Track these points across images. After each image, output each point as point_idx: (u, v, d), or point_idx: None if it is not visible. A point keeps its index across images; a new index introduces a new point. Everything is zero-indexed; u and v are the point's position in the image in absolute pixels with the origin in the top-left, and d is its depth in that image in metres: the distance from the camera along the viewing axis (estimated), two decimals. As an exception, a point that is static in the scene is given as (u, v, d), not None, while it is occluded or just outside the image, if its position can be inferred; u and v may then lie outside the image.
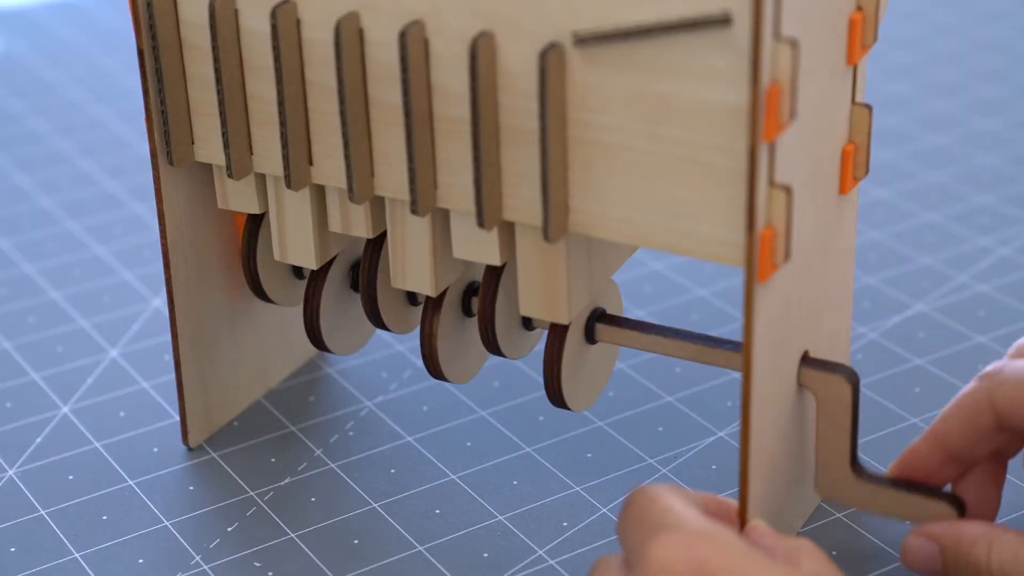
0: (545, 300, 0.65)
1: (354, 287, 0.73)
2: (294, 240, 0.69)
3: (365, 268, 0.70)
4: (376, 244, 0.70)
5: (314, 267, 0.70)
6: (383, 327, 0.71)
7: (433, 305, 0.69)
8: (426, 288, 0.67)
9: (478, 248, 0.65)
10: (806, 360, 0.64)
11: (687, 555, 0.54)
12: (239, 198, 0.70)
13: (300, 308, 0.79)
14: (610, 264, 0.67)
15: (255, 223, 0.72)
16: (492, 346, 0.69)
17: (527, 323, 0.70)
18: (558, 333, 0.67)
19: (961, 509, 0.64)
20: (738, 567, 0.54)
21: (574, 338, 0.68)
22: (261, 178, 0.69)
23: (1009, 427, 0.64)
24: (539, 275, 0.65)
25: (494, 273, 0.68)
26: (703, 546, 0.54)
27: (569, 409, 0.69)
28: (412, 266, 0.67)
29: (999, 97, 1.05)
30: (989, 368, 0.64)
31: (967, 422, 0.64)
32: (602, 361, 0.71)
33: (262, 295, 0.73)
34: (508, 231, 0.65)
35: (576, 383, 0.69)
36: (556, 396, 0.68)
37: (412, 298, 0.73)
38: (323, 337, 0.72)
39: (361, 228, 0.68)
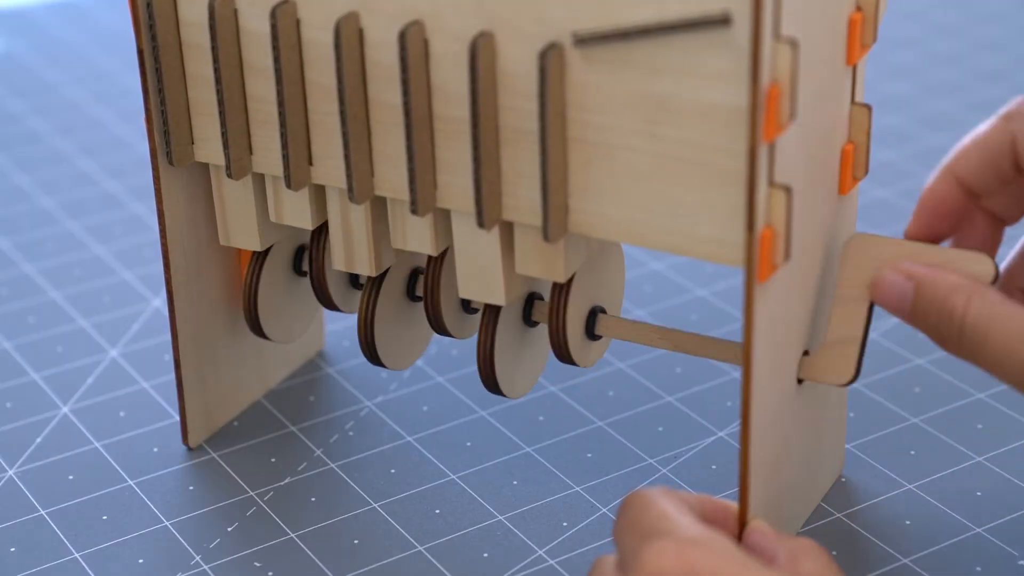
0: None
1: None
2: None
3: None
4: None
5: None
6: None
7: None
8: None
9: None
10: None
11: (679, 562, 0.54)
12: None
13: (298, 304, 0.79)
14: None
15: (258, 265, 0.72)
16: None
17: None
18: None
19: (996, 272, 0.61)
20: (730, 574, 0.54)
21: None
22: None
23: None
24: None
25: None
26: (695, 553, 0.54)
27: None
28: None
29: (999, 97, 1.05)
30: (1012, 107, 0.62)
31: (988, 161, 0.63)
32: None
33: (260, 334, 0.73)
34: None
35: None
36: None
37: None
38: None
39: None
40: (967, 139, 0.64)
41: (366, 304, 0.70)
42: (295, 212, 0.69)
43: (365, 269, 0.69)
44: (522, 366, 0.70)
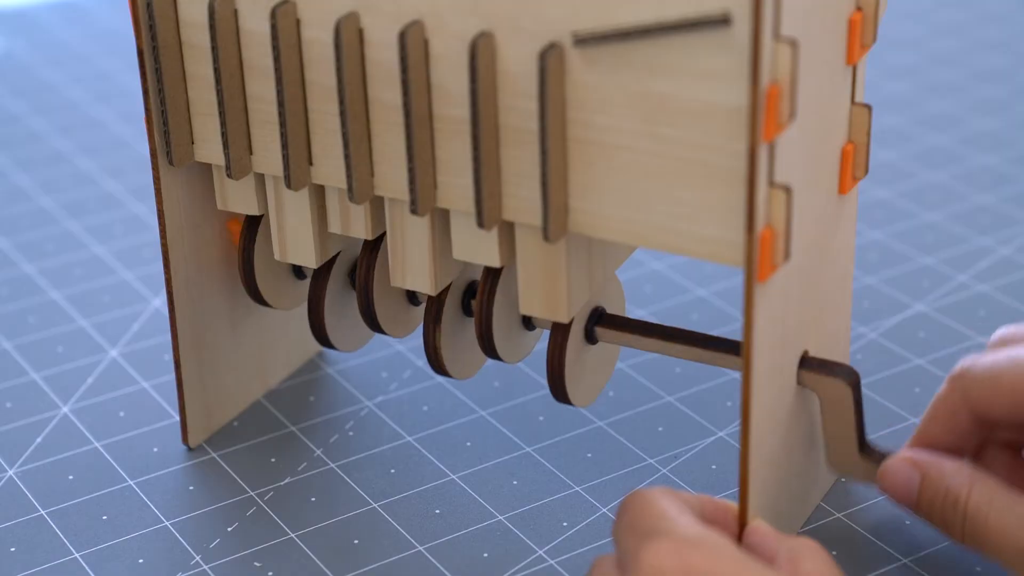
0: (545, 299, 0.65)
1: (354, 286, 0.73)
2: (293, 240, 0.69)
3: (362, 269, 0.70)
4: (374, 245, 0.70)
5: (314, 266, 0.70)
6: (380, 331, 0.71)
7: (435, 305, 0.69)
8: (426, 287, 0.67)
9: (478, 249, 0.65)
10: (806, 361, 0.64)
11: (678, 562, 0.54)
12: (238, 199, 0.70)
13: (298, 309, 0.79)
14: (610, 261, 0.67)
15: (252, 229, 0.72)
16: (490, 349, 0.68)
17: (527, 323, 0.70)
18: (560, 331, 0.67)
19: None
20: (728, 573, 0.54)
21: (576, 335, 0.68)
22: (260, 179, 0.69)
23: (987, 422, 0.64)
24: (539, 274, 0.65)
25: (492, 273, 0.68)
26: (694, 553, 0.54)
27: (573, 405, 0.69)
28: (412, 265, 0.67)
29: (999, 97, 1.05)
30: (957, 369, 0.64)
31: (947, 426, 0.65)
32: (605, 355, 0.71)
33: (260, 299, 0.73)
34: (508, 231, 0.65)
35: (579, 379, 0.69)
36: (561, 394, 0.68)
37: (412, 299, 0.73)
38: (327, 333, 0.72)
39: (360, 229, 0.68)
40: (927, 408, 0.66)
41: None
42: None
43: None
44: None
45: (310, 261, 0.70)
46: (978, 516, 0.61)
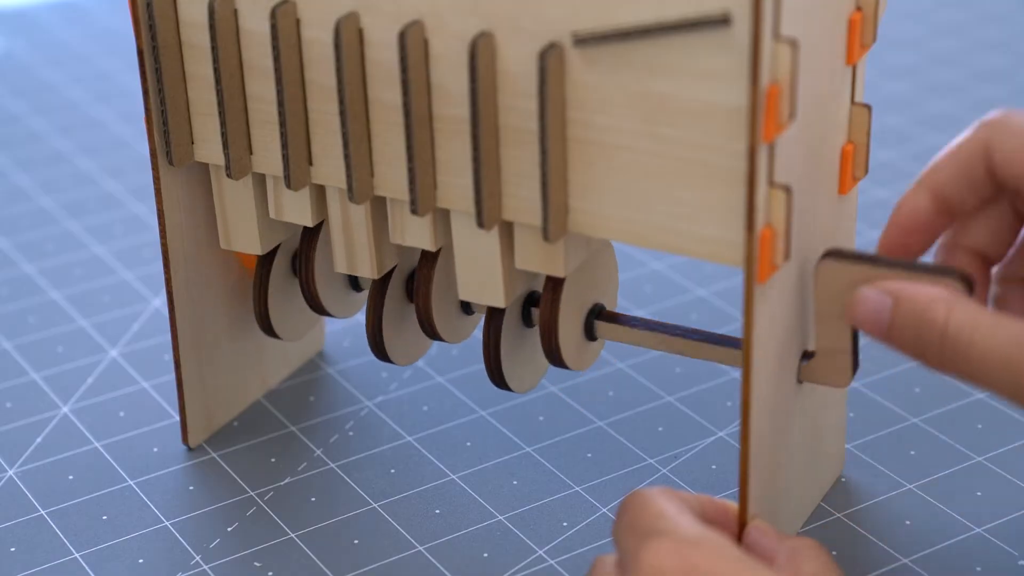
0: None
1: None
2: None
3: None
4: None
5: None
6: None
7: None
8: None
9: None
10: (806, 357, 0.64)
11: (678, 562, 0.54)
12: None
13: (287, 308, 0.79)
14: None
15: (267, 264, 0.72)
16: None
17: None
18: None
19: (970, 287, 0.60)
20: (728, 573, 0.54)
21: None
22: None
23: (1000, 181, 0.61)
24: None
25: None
26: (694, 553, 0.54)
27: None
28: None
29: (999, 97, 1.05)
30: (990, 116, 0.61)
31: (959, 171, 0.61)
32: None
33: (273, 334, 0.74)
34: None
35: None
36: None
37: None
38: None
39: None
40: (945, 149, 0.63)
41: (373, 308, 0.70)
42: (295, 210, 0.69)
43: (366, 271, 0.69)
44: (526, 363, 0.70)
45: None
46: (960, 337, 0.57)
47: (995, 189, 0.62)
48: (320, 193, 0.69)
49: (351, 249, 0.68)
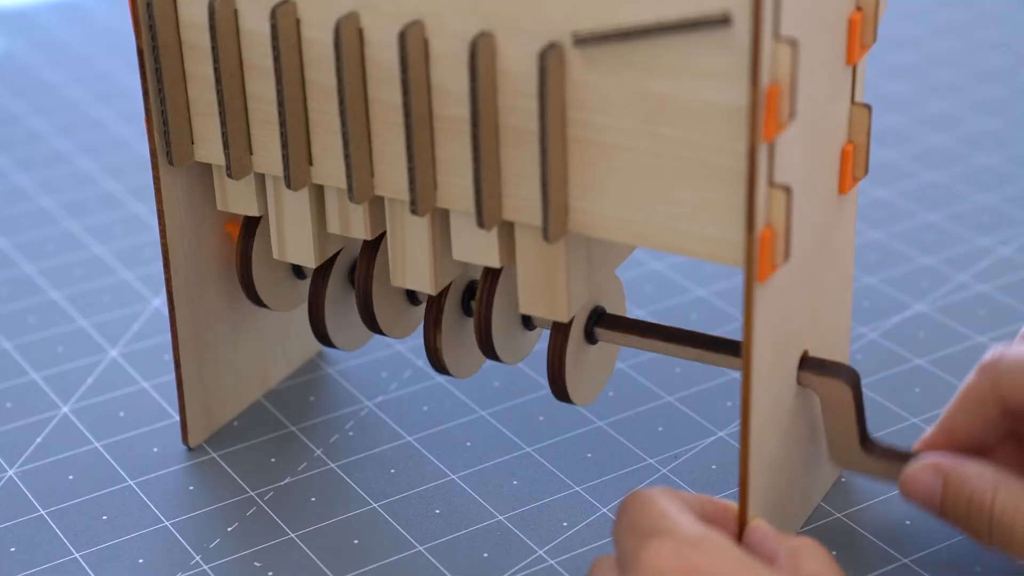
0: (545, 299, 0.65)
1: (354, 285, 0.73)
2: (293, 239, 0.69)
3: (361, 269, 0.70)
4: (374, 244, 0.70)
5: (314, 266, 0.70)
6: (378, 331, 0.71)
7: (436, 304, 0.69)
8: (426, 287, 0.67)
9: (477, 249, 0.65)
10: (806, 362, 0.64)
11: (678, 562, 0.54)
12: (239, 199, 0.70)
13: (297, 310, 0.79)
14: (610, 260, 0.67)
15: (250, 229, 0.72)
16: (489, 350, 0.68)
17: (527, 322, 0.70)
18: (560, 331, 0.67)
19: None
20: (729, 573, 0.54)
21: (576, 335, 0.68)
22: (261, 179, 0.69)
23: (1017, 413, 0.64)
24: (539, 273, 0.65)
25: (491, 273, 0.68)
26: (694, 553, 0.54)
27: (574, 404, 0.69)
28: (412, 265, 0.67)
29: (999, 97, 1.05)
30: (987, 358, 0.64)
31: (974, 415, 0.64)
32: (605, 354, 0.71)
33: (257, 301, 0.73)
34: (508, 232, 0.65)
35: (579, 378, 0.69)
36: (561, 393, 0.68)
37: (412, 298, 0.73)
38: (328, 332, 0.72)
39: (360, 229, 0.68)
40: (954, 397, 0.66)
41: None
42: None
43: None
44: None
45: (309, 261, 0.70)
46: (1004, 518, 0.61)
47: (1010, 420, 0.65)
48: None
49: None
